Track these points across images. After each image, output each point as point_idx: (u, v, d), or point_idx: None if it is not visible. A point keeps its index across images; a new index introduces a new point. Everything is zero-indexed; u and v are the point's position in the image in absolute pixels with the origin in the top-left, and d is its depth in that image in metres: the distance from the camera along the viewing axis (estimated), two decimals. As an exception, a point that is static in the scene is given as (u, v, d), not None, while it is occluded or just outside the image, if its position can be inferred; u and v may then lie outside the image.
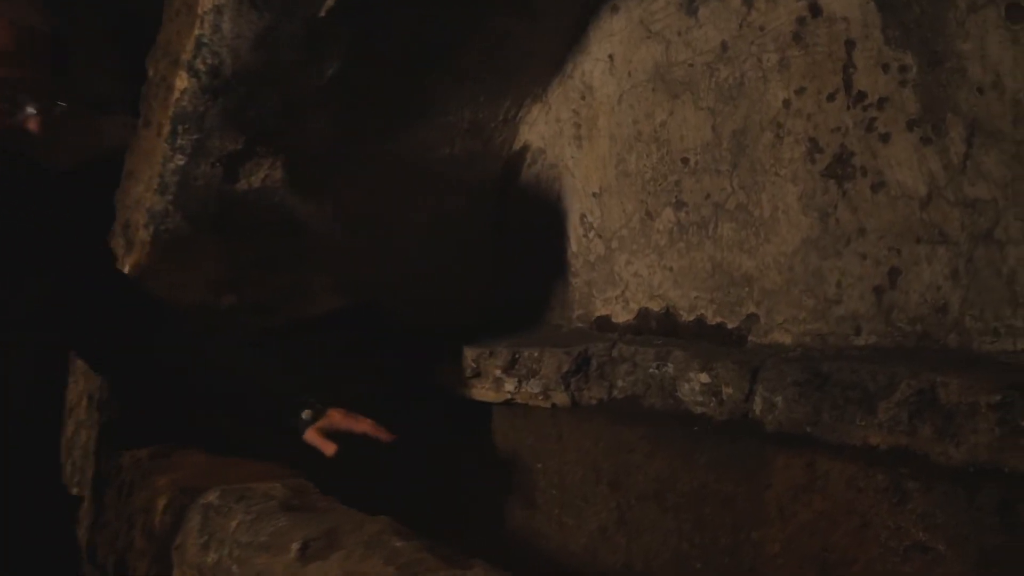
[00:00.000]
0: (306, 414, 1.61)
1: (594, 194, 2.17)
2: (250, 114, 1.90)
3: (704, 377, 1.75)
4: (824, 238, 1.70)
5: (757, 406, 1.65)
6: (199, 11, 1.77)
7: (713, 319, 1.91)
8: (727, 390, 1.71)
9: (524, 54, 2.13)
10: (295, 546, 1.22)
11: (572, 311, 2.25)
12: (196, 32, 1.79)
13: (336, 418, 1.60)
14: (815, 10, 1.67)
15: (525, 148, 2.31)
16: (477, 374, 2.15)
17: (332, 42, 1.85)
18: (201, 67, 1.81)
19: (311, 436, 1.58)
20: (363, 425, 1.60)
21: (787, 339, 1.77)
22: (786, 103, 1.74)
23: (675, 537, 1.76)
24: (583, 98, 2.16)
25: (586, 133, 2.17)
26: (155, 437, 1.95)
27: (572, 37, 2.14)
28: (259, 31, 1.76)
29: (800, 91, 1.71)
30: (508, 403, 2.11)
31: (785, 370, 1.62)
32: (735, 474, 1.64)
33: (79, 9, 3.73)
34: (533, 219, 2.32)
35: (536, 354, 2.06)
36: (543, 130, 2.26)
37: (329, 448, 1.56)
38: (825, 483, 1.48)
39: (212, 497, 1.49)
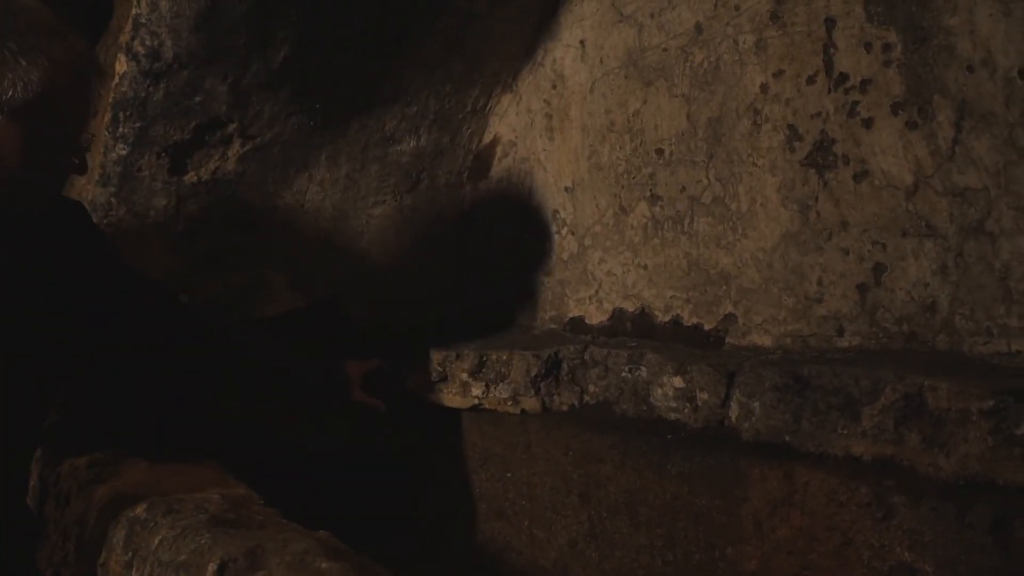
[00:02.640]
0: (340, 376, 1.80)
1: (567, 188, 2.06)
2: (196, 100, 1.79)
3: (678, 381, 1.63)
4: (804, 232, 1.58)
5: (733, 413, 1.54)
6: (137, -10, 1.66)
7: (689, 319, 1.80)
8: (702, 395, 1.59)
9: (493, 38, 2.01)
10: (212, 567, 1.11)
11: (544, 312, 2.14)
12: (133, 11, 1.68)
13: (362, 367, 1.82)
14: (794, -14, 1.56)
15: (495, 141, 2.19)
16: (444, 378, 2.03)
17: (281, 23, 1.74)
18: (140, 49, 1.70)
19: (358, 395, 1.81)
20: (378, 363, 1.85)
21: (766, 341, 1.65)
22: (763, 88, 1.63)
23: (647, 554, 1.64)
24: (554, 87, 2.05)
25: (558, 124, 2.05)
26: (98, 445, 1.84)
27: (542, 21, 2.03)
28: (200, 9, 1.65)
29: (778, 74, 1.60)
30: (476, 408, 1.99)
31: (763, 374, 1.50)
32: (709, 486, 1.52)
33: None
34: (504, 216, 2.20)
35: (504, 357, 1.94)
36: (514, 121, 2.14)
37: (379, 404, 1.80)
38: (804, 497, 1.36)
39: (139, 510, 1.37)
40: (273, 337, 1.85)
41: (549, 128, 2.07)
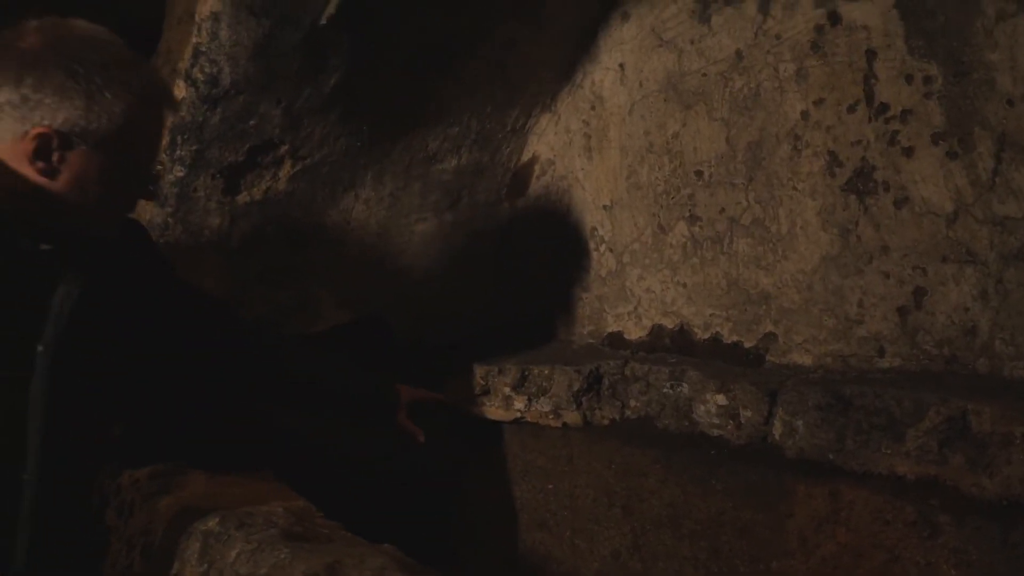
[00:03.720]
0: (391, 398, 1.83)
1: (605, 207, 2.11)
2: (250, 124, 1.85)
3: (721, 399, 1.69)
4: (845, 255, 1.64)
5: (777, 430, 1.59)
6: (197, 19, 1.72)
7: (729, 337, 1.85)
8: (745, 413, 1.64)
9: (532, 62, 2.07)
10: (296, 581, 1.16)
11: (583, 327, 2.19)
12: (194, 40, 1.74)
13: (411, 394, 1.85)
14: (834, 18, 1.61)
15: (534, 159, 2.25)
16: (486, 391, 2.09)
17: (334, 51, 1.80)
18: (199, 76, 1.76)
19: (402, 420, 1.82)
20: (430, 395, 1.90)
21: (807, 360, 1.70)
22: (804, 114, 1.68)
23: (691, 565, 1.70)
24: (593, 108, 2.10)
25: (596, 144, 2.11)
26: (156, 456, 1.90)
27: (581, 45, 2.08)
28: (258, 39, 1.71)
29: (819, 102, 1.65)
30: (518, 421, 2.05)
31: (806, 393, 1.55)
32: (754, 502, 1.58)
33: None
34: (542, 232, 2.26)
35: (546, 372, 2.00)
36: (552, 140, 2.20)
37: (420, 437, 1.81)
38: (850, 514, 1.42)
39: (212, 523, 1.43)
40: (327, 351, 1.88)
41: (587, 148, 2.13)
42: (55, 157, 1.21)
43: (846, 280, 1.64)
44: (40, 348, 1.26)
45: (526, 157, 2.26)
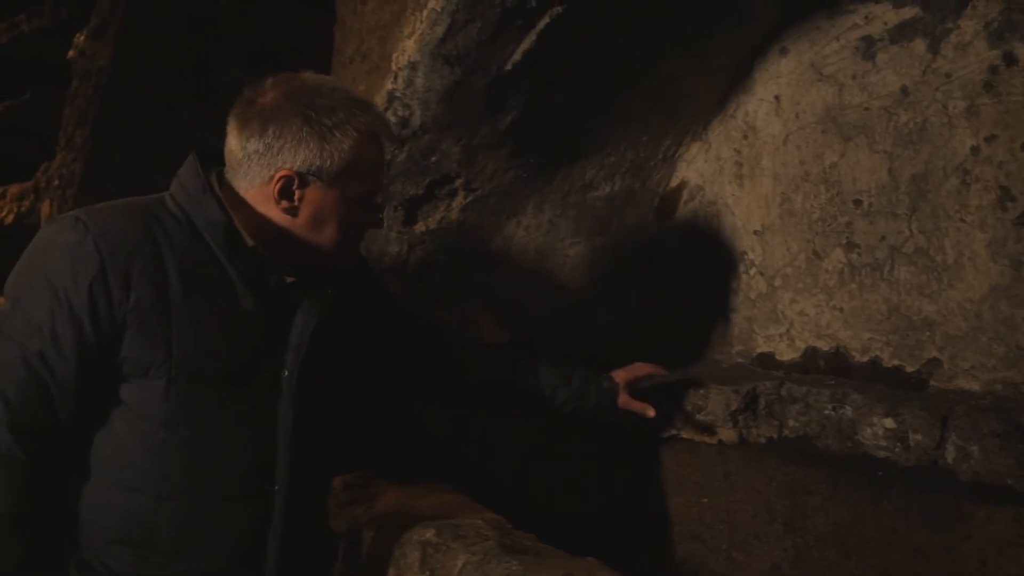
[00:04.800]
0: (606, 383, 1.86)
1: (756, 232, 2.20)
2: (432, 160, 1.99)
3: (889, 422, 1.76)
4: (1016, 287, 1.69)
5: (949, 455, 1.66)
6: (393, 67, 1.86)
7: (890, 361, 1.92)
8: (915, 437, 1.71)
9: (688, 95, 2.17)
10: (535, 593, 1.29)
11: (731, 346, 2.28)
12: (389, 87, 1.88)
13: (640, 369, 1.90)
14: (1009, 59, 1.66)
15: (682, 185, 2.34)
16: (641, 409, 2.19)
17: (514, 93, 1.92)
18: (392, 118, 1.90)
19: (626, 401, 1.85)
20: (653, 368, 1.91)
21: (974, 386, 1.76)
22: (974, 150, 1.74)
23: (858, 581, 1.77)
24: (745, 137, 2.19)
25: (748, 172, 2.19)
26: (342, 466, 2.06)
27: (735, 78, 2.17)
28: (449, 85, 1.85)
29: (990, 139, 1.71)
30: (673, 438, 2.15)
31: (980, 420, 1.62)
32: (928, 523, 1.65)
33: (223, 40, 3.93)
34: (689, 254, 2.35)
35: (702, 391, 2.09)
36: (702, 167, 2.29)
37: (650, 411, 1.84)
38: (1035, 538, 1.48)
39: (429, 534, 1.57)
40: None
41: (739, 175, 2.21)
42: (296, 195, 1.35)
43: (1017, 310, 1.69)
44: (285, 373, 1.40)
45: (674, 183, 2.36)
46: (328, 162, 1.34)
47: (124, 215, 1.32)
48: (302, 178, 1.34)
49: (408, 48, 1.80)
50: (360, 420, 1.92)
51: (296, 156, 1.33)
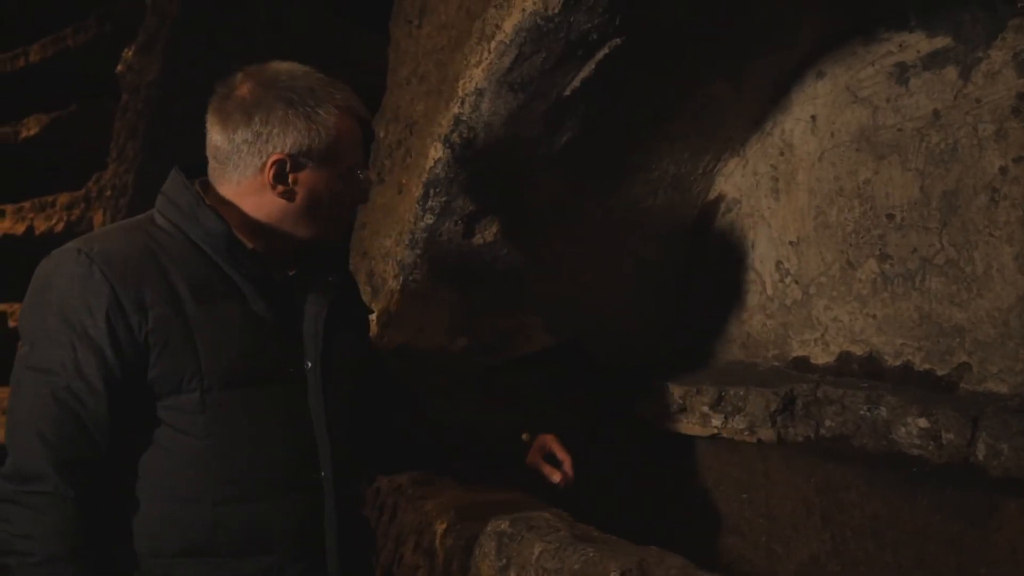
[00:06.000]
0: (525, 437, 1.81)
1: (791, 242, 2.33)
2: (490, 179, 2.13)
3: (923, 422, 1.89)
4: (1043, 296, 1.83)
5: (980, 452, 1.79)
6: (460, 93, 2.00)
7: (921, 365, 2.05)
8: (947, 435, 1.85)
9: (728, 114, 2.30)
10: (614, 575, 1.42)
11: (767, 351, 2.42)
12: (455, 111, 2.02)
13: (549, 441, 1.78)
14: (1037, 86, 1.80)
15: (720, 198, 2.48)
16: (683, 409, 2.33)
17: (570, 116, 2.06)
18: (456, 140, 2.04)
19: (535, 460, 1.77)
20: (565, 457, 1.76)
21: (1003, 388, 1.89)
22: (1003, 170, 1.87)
23: (894, 571, 1.91)
24: (782, 154, 2.32)
25: (784, 187, 2.33)
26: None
27: (773, 99, 2.30)
28: (512, 110, 1.99)
29: (1018, 160, 1.84)
30: (713, 437, 2.29)
31: (1009, 420, 1.75)
32: (961, 516, 1.78)
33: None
34: (726, 263, 2.49)
35: (742, 392, 2.23)
36: (739, 182, 2.42)
37: (555, 475, 1.75)
38: (1063, 529, 1.62)
39: (504, 525, 1.69)
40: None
41: (775, 189, 2.35)
42: (291, 179, 1.37)
43: (1043, 319, 1.83)
44: (309, 365, 1.42)
45: (712, 195, 2.50)
46: (316, 141, 1.36)
47: (122, 239, 1.34)
48: (294, 160, 1.36)
49: (476, 76, 1.94)
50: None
51: (286, 139, 1.35)
